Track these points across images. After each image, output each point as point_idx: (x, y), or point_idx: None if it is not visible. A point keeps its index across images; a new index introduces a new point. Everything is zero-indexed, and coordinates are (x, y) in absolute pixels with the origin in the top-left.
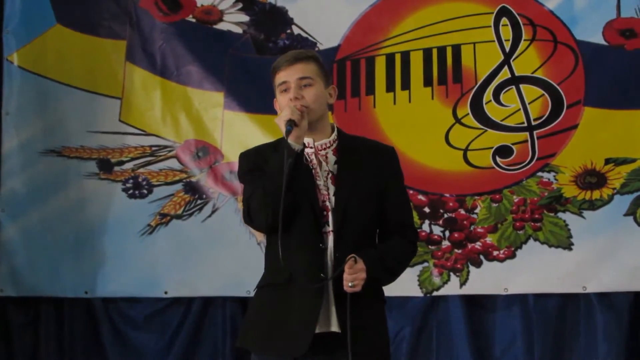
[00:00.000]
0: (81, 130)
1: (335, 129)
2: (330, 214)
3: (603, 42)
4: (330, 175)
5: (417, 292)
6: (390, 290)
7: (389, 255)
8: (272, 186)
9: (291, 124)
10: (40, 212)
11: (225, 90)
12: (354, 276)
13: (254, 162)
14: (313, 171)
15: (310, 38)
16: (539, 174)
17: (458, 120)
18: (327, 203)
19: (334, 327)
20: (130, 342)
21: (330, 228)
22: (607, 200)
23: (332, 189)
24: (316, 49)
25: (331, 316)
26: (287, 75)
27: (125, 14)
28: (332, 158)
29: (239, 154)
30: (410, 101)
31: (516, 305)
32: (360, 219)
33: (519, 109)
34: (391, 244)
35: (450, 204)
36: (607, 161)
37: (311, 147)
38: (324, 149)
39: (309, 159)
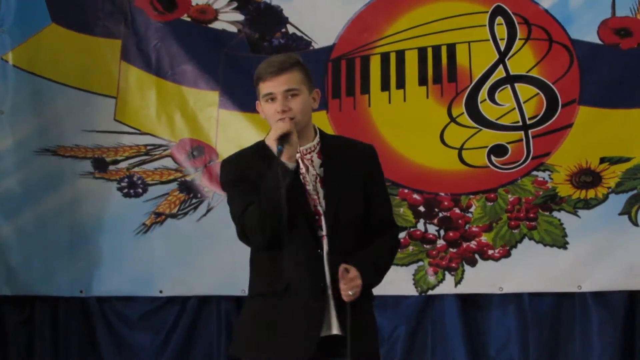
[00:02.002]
0: (76, 129)
1: (318, 132)
2: (322, 217)
3: (598, 41)
4: (318, 178)
5: (412, 291)
6: (385, 289)
7: (379, 257)
8: (269, 206)
9: (282, 143)
10: (35, 211)
11: (220, 90)
12: (350, 285)
13: (239, 171)
14: (301, 176)
15: (305, 37)
16: (534, 173)
17: (453, 119)
18: (319, 207)
19: (335, 330)
20: (126, 341)
21: (324, 232)
22: (602, 199)
23: (321, 192)
24: (311, 48)
25: (332, 320)
26: (273, 87)
27: (120, 13)
28: (317, 161)
29: (221, 162)
30: (405, 100)
31: (511, 304)
32: (351, 220)
33: (514, 108)
34: (380, 245)
35: (445, 203)
36: (602, 160)
37: (297, 153)
38: (309, 152)
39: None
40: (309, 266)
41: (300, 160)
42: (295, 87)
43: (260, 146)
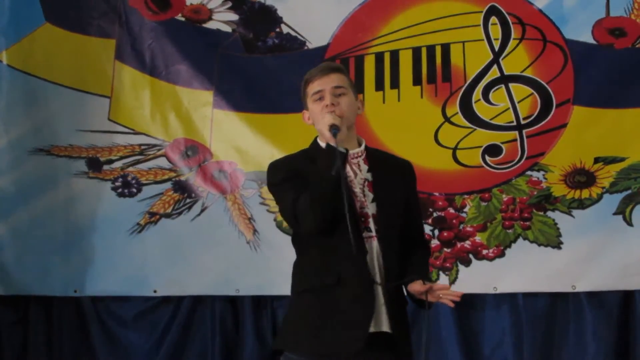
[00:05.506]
0: (70, 129)
1: (363, 141)
2: (371, 220)
3: (592, 41)
4: (366, 182)
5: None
6: None
7: (427, 268)
8: (321, 187)
9: (336, 128)
10: (29, 211)
11: (215, 89)
12: (451, 291)
13: (290, 169)
14: (348, 180)
15: (299, 37)
16: (528, 172)
17: (447, 119)
18: (366, 210)
19: (385, 327)
20: (120, 341)
21: (373, 233)
22: (597, 199)
23: (369, 195)
24: (305, 47)
25: (382, 317)
26: (322, 84)
27: (114, 12)
28: (364, 167)
29: (268, 165)
30: (399, 100)
31: (505, 304)
32: (398, 224)
33: (508, 108)
34: (423, 256)
35: (440, 203)
36: (596, 160)
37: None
38: (356, 157)
39: None
40: (357, 263)
41: (348, 164)
42: (342, 85)
43: (307, 150)
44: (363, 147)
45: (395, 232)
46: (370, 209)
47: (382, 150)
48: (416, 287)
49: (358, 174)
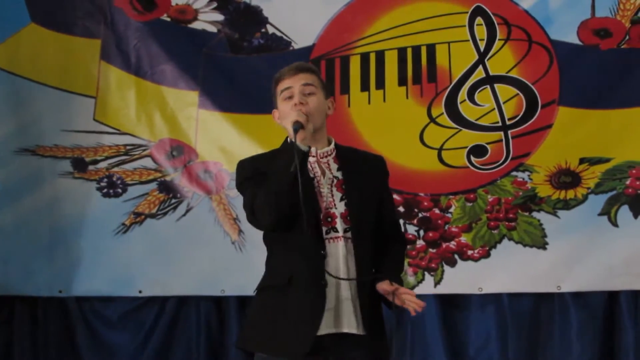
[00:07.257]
0: (55, 129)
1: (333, 140)
2: (338, 219)
3: (578, 42)
4: (334, 181)
5: None
6: None
7: (400, 266)
8: (277, 184)
9: (298, 125)
10: (15, 211)
11: (200, 90)
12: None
13: (254, 168)
14: (315, 179)
15: (284, 37)
16: (514, 173)
17: (432, 120)
18: (333, 210)
19: (347, 328)
20: (105, 341)
21: (340, 234)
22: (582, 200)
23: (337, 195)
24: (290, 48)
25: (342, 317)
26: (292, 82)
27: (100, 12)
28: (334, 166)
29: (237, 163)
30: (384, 100)
31: (491, 304)
32: (369, 222)
33: (494, 109)
34: (397, 253)
35: (425, 204)
36: (582, 161)
37: (313, 156)
38: (325, 156)
39: (311, 168)
40: (313, 265)
41: (316, 164)
42: (312, 83)
43: (275, 150)
44: (332, 146)
45: (366, 230)
46: (339, 208)
47: (354, 148)
48: (384, 286)
49: (327, 173)
